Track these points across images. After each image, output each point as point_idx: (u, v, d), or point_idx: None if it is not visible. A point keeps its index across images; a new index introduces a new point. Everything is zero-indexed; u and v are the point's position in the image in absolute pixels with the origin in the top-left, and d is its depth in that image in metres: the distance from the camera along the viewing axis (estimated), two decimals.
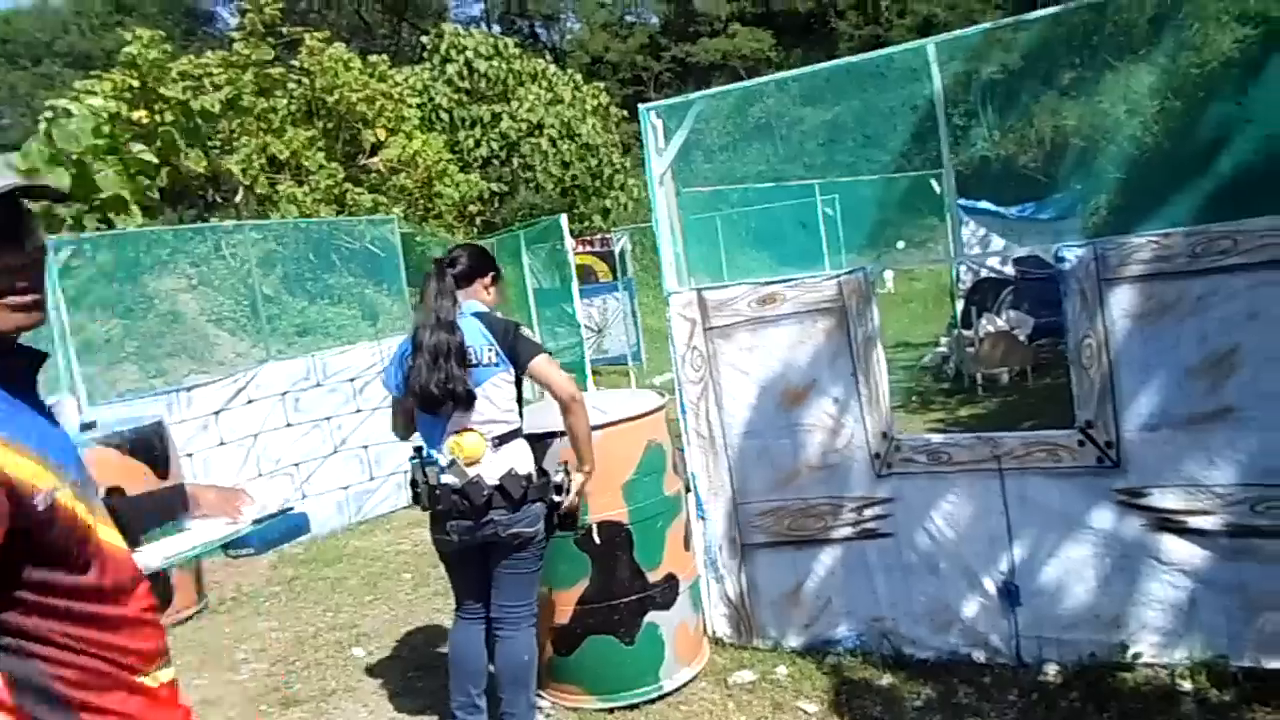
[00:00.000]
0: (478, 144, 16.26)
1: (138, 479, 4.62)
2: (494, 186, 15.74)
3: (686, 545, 3.54)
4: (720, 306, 3.59)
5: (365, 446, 6.39)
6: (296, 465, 6.10)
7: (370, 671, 3.97)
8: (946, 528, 3.32)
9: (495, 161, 16.51)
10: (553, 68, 17.69)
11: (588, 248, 13.60)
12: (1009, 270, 9.98)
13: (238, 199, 12.38)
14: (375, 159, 12.90)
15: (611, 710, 3.32)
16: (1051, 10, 3.24)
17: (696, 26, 27.82)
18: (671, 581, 3.39)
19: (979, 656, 3.32)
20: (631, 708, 3.32)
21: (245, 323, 9.12)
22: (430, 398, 2.78)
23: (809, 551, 3.58)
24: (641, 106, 3.63)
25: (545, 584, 3.27)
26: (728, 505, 3.69)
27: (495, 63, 16.44)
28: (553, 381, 2.86)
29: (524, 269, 11.25)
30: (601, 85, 18.88)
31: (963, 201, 10.29)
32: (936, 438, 3.45)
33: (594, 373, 9.69)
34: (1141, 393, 2.96)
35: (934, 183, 10.01)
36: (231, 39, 11.98)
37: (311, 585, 5.23)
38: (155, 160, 9.97)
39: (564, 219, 7.98)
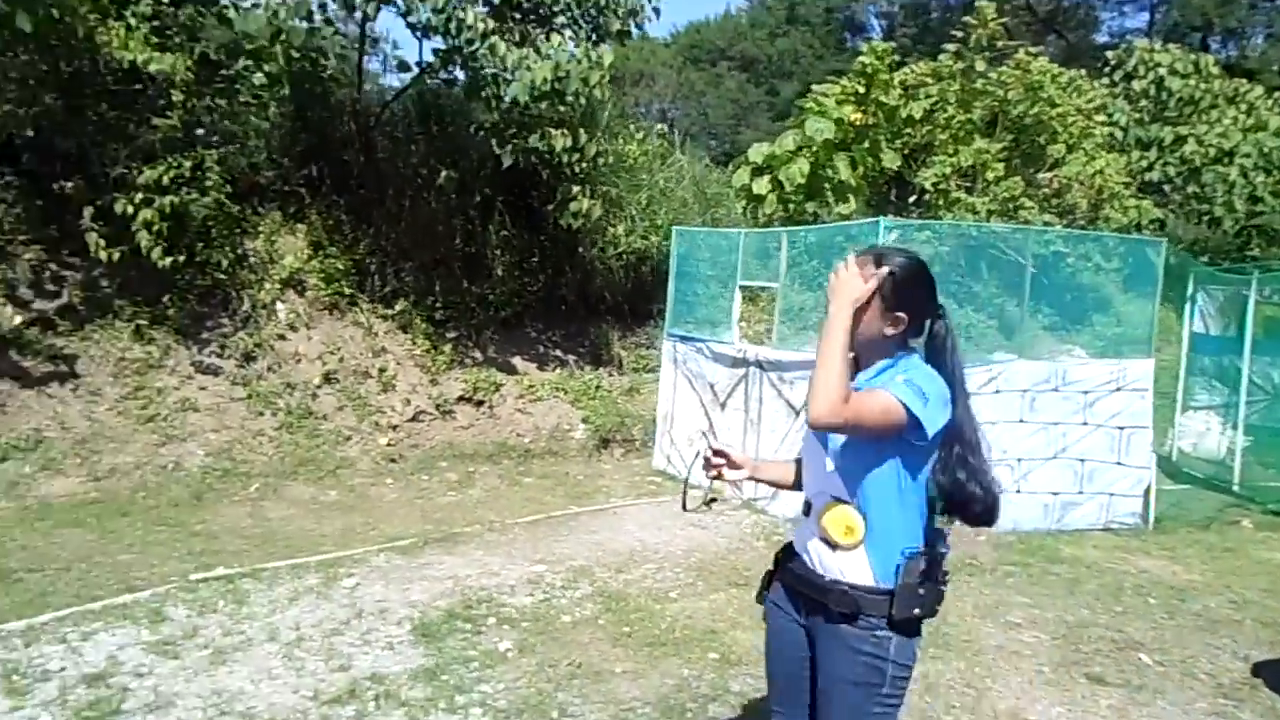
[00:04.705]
0: (1150, 167, 15.11)
1: None
2: (1158, 214, 14.51)
3: None
4: None
5: (1082, 460, 6.45)
6: (1019, 460, 6.41)
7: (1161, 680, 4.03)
8: None
9: (1166, 188, 15.19)
10: (1258, 89, 15.55)
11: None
12: None
13: (910, 199, 13.30)
14: (1052, 174, 12.74)
15: None
16: None
17: None
18: None
19: None
20: None
21: None
22: None
23: None
24: None
25: None
26: None
27: (1191, 81, 15.05)
28: None
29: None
30: None
31: None
32: None
33: None
34: None
35: None
36: (943, 50, 12.75)
37: (1044, 578, 5.48)
38: (869, 158, 11.18)
39: None
